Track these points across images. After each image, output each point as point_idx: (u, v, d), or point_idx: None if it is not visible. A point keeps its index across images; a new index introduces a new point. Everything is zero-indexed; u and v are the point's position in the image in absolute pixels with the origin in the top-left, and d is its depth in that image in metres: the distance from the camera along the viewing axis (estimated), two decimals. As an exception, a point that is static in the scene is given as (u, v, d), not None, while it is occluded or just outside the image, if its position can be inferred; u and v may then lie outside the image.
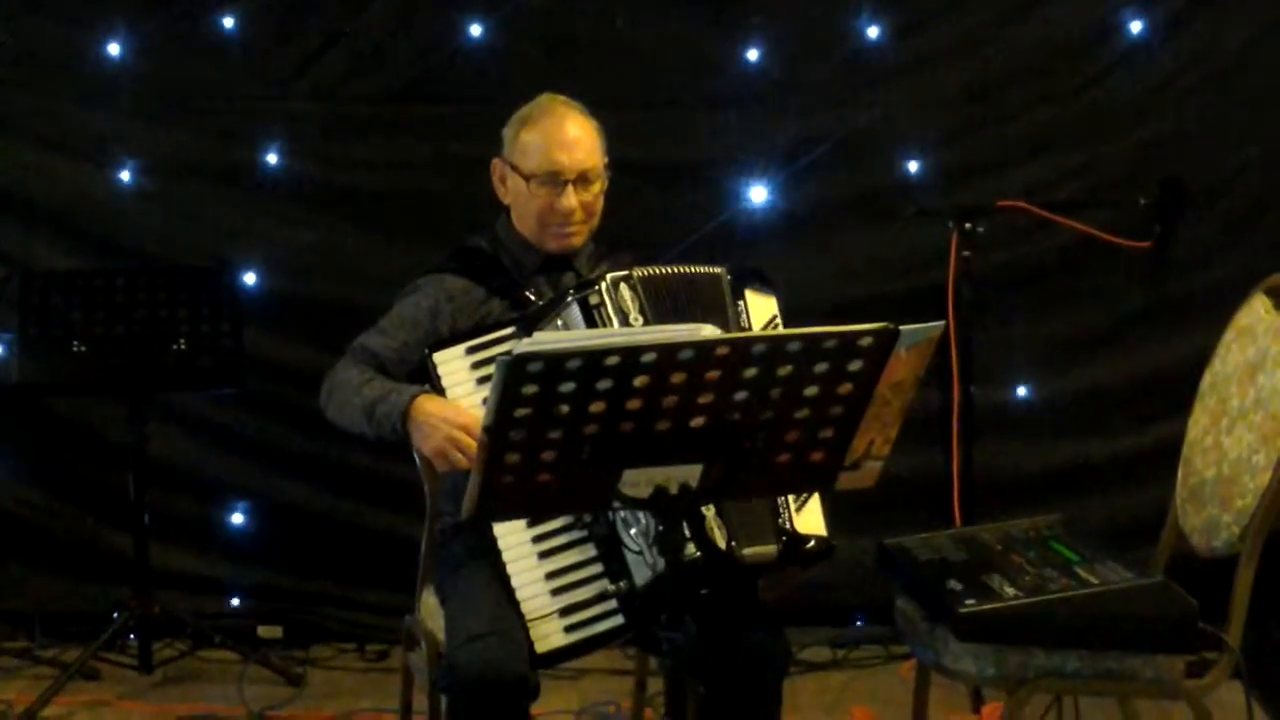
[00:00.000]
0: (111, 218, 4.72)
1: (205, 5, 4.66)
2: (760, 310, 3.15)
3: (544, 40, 4.67)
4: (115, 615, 4.44)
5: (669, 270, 3.10)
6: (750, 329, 3.09)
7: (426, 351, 3.11)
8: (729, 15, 4.71)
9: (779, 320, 3.18)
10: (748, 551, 2.94)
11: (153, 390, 4.40)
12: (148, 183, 4.71)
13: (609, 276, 3.04)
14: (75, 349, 4.30)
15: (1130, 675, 3.03)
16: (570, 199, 3.26)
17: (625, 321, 2.99)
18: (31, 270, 4.50)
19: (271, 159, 4.71)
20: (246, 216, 4.73)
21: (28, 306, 4.29)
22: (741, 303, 3.13)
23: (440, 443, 2.98)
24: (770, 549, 2.97)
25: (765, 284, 3.20)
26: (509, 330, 3.08)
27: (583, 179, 3.27)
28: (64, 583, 4.75)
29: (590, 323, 2.99)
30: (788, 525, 2.99)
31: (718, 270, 3.14)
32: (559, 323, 3.02)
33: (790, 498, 3.02)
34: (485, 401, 2.47)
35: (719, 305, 3.09)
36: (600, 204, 3.33)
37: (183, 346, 4.34)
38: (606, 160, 3.33)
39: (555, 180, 3.26)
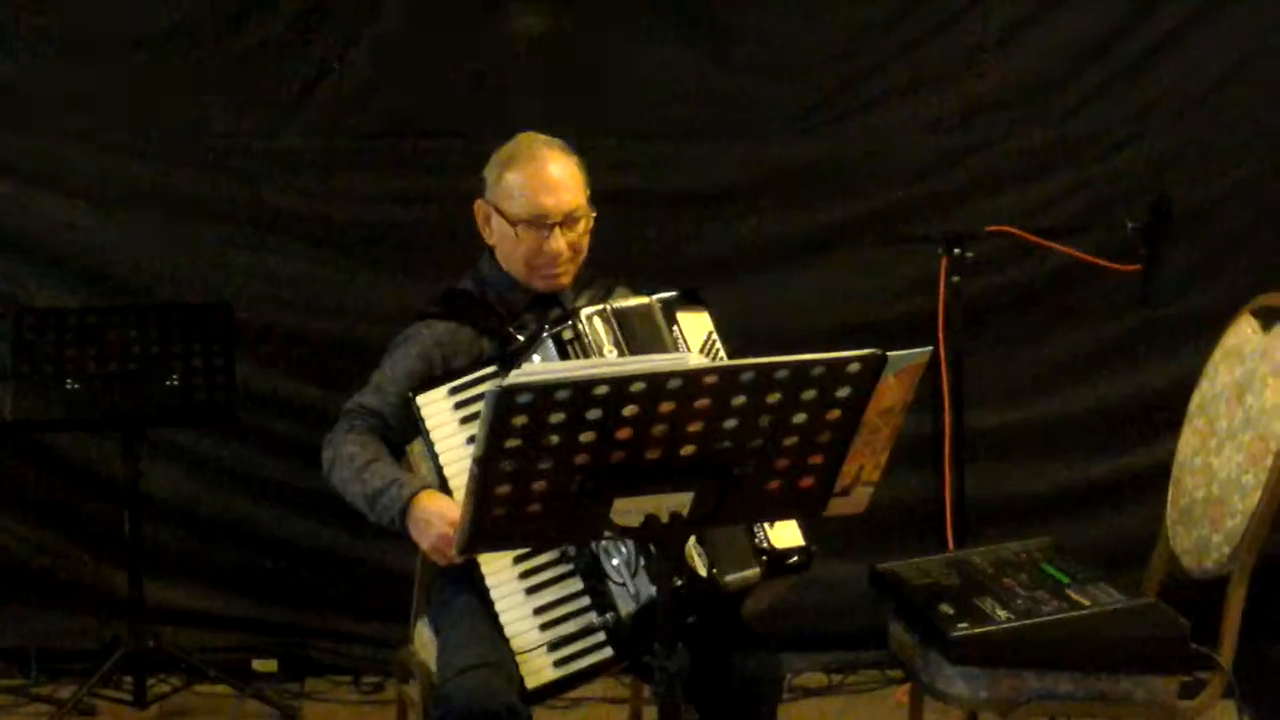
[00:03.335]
0: (105, 254, 4.72)
1: (196, 43, 4.67)
2: (695, 330, 3.14)
3: (534, 73, 4.69)
4: (110, 651, 4.44)
5: (632, 304, 3.10)
6: (689, 351, 3.08)
7: (410, 394, 3.11)
8: (716, 43, 4.73)
9: (715, 334, 3.17)
10: (730, 578, 2.94)
11: (146, 426, 4.40)
12: (141, 219, 4.71)
13: (583, 312, 3.04)
14: (69, 386, 4.30)
15: (1123, 697, 3.04)
16: (558, 242, 3.25)
17: (600, 354, 2.99)
18: (25, 307, 4.51)
19: (264, 195, 4.72)
20: (239, 252, 4.73)
21: (21, 343, 4.29)
22: (675, 327, 3.11)
23: (435, 541, 2.99)
24: (753, 573, 2.97)
25: (695, 302, 3.19)
26: (490, 370, 3.08)
27: (569, 220, 3.26)
28: (58, 619, 4.73)
29: (565, 357, 2.99)
30: (765, 544, 2.99)
31: (645, 300, 3.13)
32: (535, 358, 3.03)
33: None
34: (470, 440, 2.48)
35: (660, 334, 3.08)
36: (587, 241, 3.32)
37: (176, 382, 4.34)
38: (589, 193, 3.32)
39: (542, 224, 3.24)
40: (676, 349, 3.07)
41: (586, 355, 2.99)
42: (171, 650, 4.54)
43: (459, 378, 3.11)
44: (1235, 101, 4.70)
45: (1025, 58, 4.73)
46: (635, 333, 3.04)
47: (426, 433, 3.08)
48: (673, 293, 3.17)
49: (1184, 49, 4.71)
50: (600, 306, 3.06)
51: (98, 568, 4.74)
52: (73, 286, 4.68)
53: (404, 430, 3.22)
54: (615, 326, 3.04)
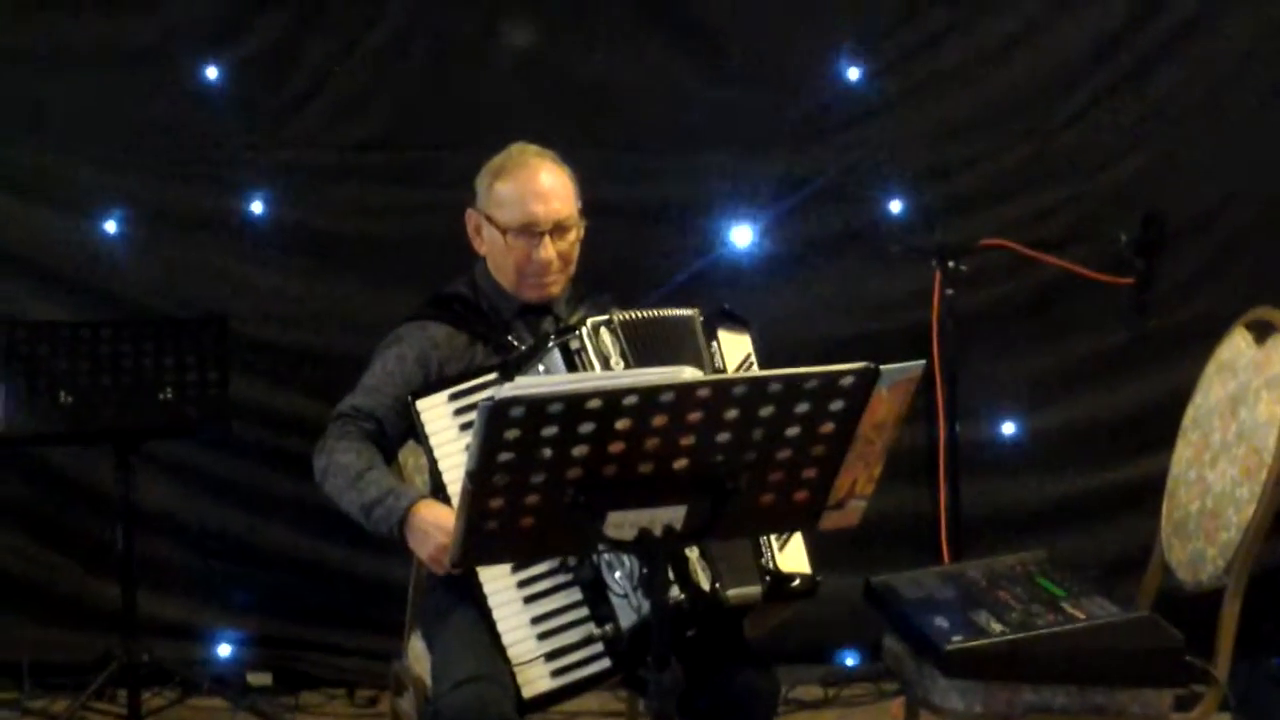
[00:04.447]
0: (98, 267, 4.72)
1: (190, 55, 4.68)
2: (734, 348, 3.16)
3: (525, 84, 4.69)
4: (104, 664, 4.43)
5: (648, 314, 3.10)
6: (725, 369, 3.09)
7: (410, 398, 3.10)
8: (709, 55, 4.73)
9: (753, 357, 3.18)
10: (732, 593, 2.94)
11: (140, 439, 4.39)
12: (133, 232, 4.71)
13: (590, 322, 3.04)
14: (62, 399, 4.30)
15: (1118, 710, 3.03)
16: (548, 250, 3.26)
17: (606, 365, 2.99)
18: (17, 320, 4.51)
19: (257, 207, 4.72)
20: (232, 264, 4.74)
21: (14, 357, 4.28)
22: (715, 343, 3.13)
23: (434, 551, 2.99)
24: (755, 590, 2.97)
25: (738, 322, 3.21)
26: (491, 376, 3.07)
27: (559, 229, 3.27)
28: (52, 632, 4.73)
29: (572, 368, 2.99)
30: (771, 565, 2.99)
31: (689, 312, 3.14)
32: (540, 368, 3.03)
33: (772, 536, 3.01)
34: (468, 448, 2.48)
35: (694, 347, 3.10)
36: (576, 251, 3.32)
37: (169, 395, 4.34)
38: (580, 206, 3.33)
39: (532, 232, 3.25)
40: (713, 365, 3.08)
41: (594, 365, 2.99)
42: (165, 664, 4.53)
43: (459, 383, 3.10)
44: (1227, 114, 4.71)
45: (1018, 71, 4.73)
46: (642, 344, 3.04)
47: (426, 437, 3.07)
48: (718, 308, 3.18)
49: (1176, 62, 4.71)
50: (606, 317, 3.06)
51: (91, 581, 4.73)
52: (66, 299, 4.68)
53: (398, 433, 3.22)
54: (622, 338, 3.03)
